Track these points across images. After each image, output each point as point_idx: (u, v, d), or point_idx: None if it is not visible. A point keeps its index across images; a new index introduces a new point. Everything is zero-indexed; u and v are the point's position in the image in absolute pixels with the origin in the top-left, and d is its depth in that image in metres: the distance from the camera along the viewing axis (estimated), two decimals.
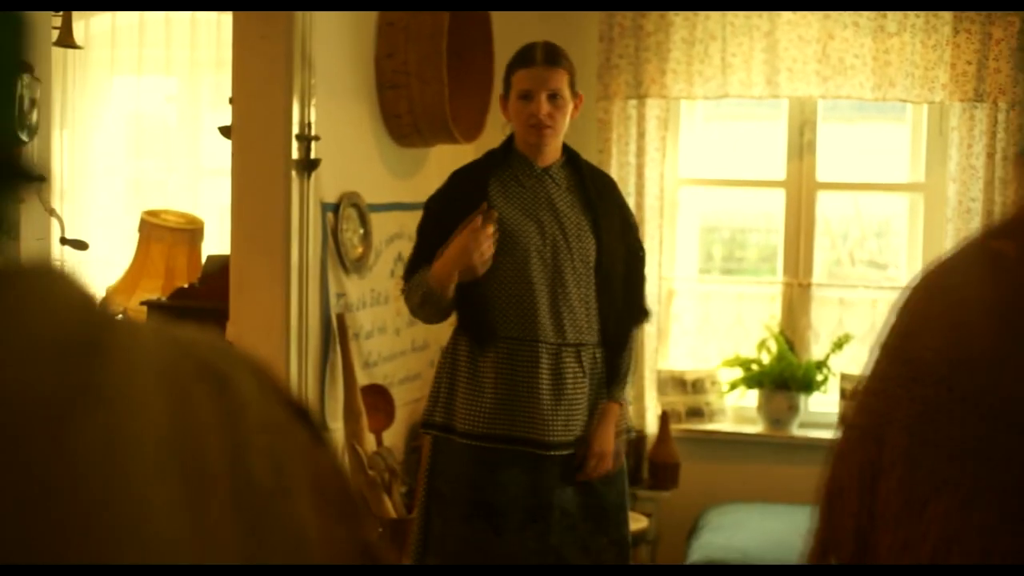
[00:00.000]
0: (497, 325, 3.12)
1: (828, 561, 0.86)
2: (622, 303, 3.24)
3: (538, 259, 3.13)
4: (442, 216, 3.16)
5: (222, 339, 0.59)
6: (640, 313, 3.35)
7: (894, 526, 0.79)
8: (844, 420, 0.84)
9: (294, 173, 3.72)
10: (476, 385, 3.11)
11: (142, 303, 4.26)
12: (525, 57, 3.17)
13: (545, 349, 3.10)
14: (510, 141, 3.28)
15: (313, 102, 3.80)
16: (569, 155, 3.28)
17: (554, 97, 3.13)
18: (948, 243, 4.72)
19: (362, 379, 3.98)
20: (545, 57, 3.14)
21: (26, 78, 2.41)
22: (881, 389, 0.81)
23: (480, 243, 3.00)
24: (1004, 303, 0.77)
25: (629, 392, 3.38)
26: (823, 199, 5.08)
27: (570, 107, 3.18)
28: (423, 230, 3.25)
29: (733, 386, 4.99)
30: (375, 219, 4.18)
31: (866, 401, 0.82)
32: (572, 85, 3.18)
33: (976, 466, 0.72)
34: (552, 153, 3.23)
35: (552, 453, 3.10)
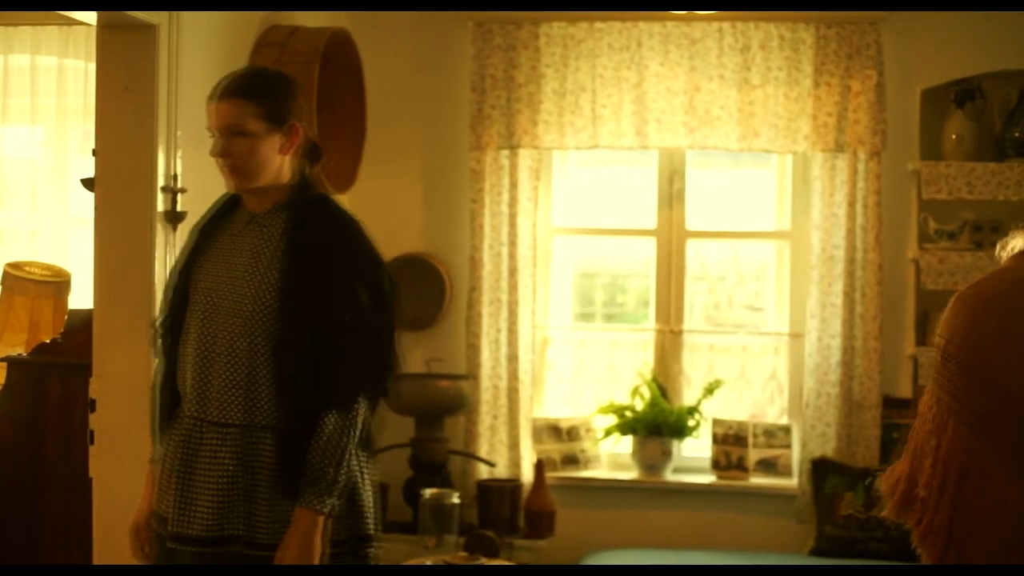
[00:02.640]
0: (173, 396, 2.76)
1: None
2: (312, 380, 2.59)
3: (198, 326, 2.69)
4: (176, 266, 2.89)
5: None
6: (334, 395, 2.58)
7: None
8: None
9: (159, 225, 3.67)
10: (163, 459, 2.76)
11: (2, 359, 4.14)
12: (212, 91, 2.75)
13: (185, 424, 2.68)
14: None
15: (179, 154, 3.76)
16: (298, 196, 2.73)
17: (237, 134, 2.66)
18: (813, 289, 4.84)
19: None
20: (225, 90, 2.70)
21: None
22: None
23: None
24: None
25: (336, 501, 2.58)
26: (698, 244, 5.18)
27: (271, 141, 2.67)
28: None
29: (607, 433, 5.04)
30: None
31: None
32: (272, 116, 2.67)
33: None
34: (266, 197, 2.71)
35: (180, 547, 2.63)
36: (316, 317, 2.61)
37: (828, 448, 4.83)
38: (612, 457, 5.13)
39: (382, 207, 5.08)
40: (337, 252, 2.68)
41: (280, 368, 2.60)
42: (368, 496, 2.72)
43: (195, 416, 2.66)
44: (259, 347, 2.61)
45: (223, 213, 2.82)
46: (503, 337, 4.92)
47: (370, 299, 2.66)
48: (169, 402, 2.77)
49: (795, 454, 4.96)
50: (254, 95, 2.68)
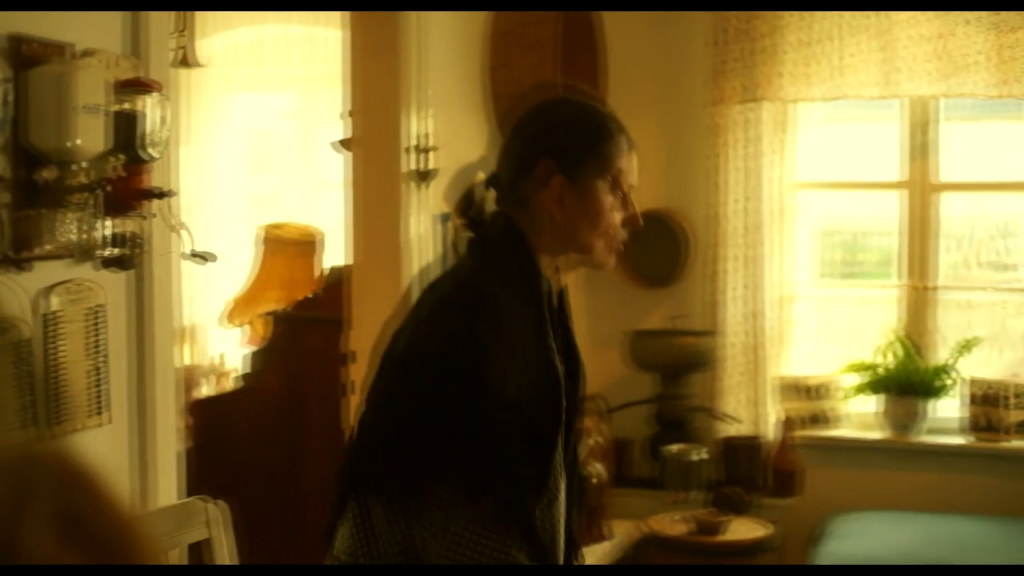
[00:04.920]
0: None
1: None
2: None
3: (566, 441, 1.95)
4: (529, 353, 1.87)
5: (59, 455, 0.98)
6: None
7: None
8: None
9: (412, 184, 3.78)
10: None
11: (266, 314, 4.35)
12: (617, 131, 2.01)
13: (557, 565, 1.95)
14: (524, 242, 1.95)
15: (429, 113, 3.85)
16: None
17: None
18: None
19: None
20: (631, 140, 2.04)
21: (156, 96, 2.49)
22: None
23: None
24: None
25: None
26: (944, 199, 4.97)
27: None
28: (479, 417, 1.79)
29: (856, 391, 4.90)
30: None
31: None
32: None
33: None
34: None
35: None
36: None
37: None
38: (860, 416, 5.00)
39: None
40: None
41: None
42: None
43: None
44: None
45: (530, 294, 1.94)
46: (746, 293, 4.85)
47: None
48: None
49: None
50: None
